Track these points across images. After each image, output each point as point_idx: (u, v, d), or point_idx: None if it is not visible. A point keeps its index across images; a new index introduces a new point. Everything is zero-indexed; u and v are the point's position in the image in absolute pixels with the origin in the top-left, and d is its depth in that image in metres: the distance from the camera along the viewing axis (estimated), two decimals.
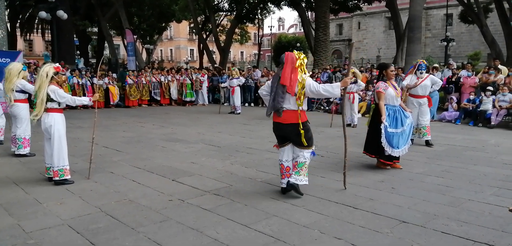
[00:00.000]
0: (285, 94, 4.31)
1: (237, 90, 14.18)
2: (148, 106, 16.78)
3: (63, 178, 5.08)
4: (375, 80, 6.58)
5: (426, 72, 7.81)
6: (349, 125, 10.74)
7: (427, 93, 7.80)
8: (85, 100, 5.80)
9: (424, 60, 8.14)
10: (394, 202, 4.39)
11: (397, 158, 5.84)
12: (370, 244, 3.33)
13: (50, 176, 5.17)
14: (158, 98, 17.23)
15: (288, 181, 4.46)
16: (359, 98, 12.62)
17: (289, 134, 4.44)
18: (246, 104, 17.29)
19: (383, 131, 5.65)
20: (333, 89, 4.33)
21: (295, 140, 4.47)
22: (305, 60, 4.41)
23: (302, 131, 4.32)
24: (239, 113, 13.95)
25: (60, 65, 5.31)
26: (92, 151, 5.52)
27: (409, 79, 7.75)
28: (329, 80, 16.85)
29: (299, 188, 4.45)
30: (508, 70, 12.89)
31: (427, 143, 7.78)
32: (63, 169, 5.09)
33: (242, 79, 15.01)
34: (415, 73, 7.72)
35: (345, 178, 4.85)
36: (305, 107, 4.44)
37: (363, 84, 11.91)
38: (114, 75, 17.62)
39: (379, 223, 3.77)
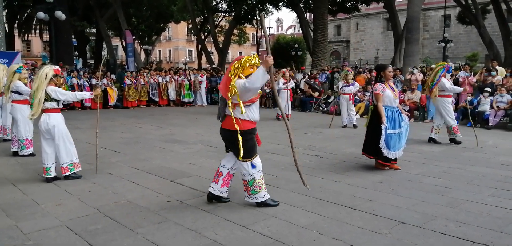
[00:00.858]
0: (225, 100, 4.06)
1: None
2: (146, 107, 16.78)
3: (73, 172, 5.21)
4: (373, 82, 6.60)
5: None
6: (345, 126, 10.77)
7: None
8: (86, 94, 5.87)
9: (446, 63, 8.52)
10: (392, 202, 4.40)
11: (395, 159, 5.85)
12: (369, 245, 3.34)
13: (49, 176, 5.16)
14: (157, 99, 17.25)
15: (246, 199, 4.22)
16: (357, 99, 12.65)
17: (225, 140, 4.21)
18: None
19: (383, 132, 5.65)
20: (260, 74, 3.79)
21: (231, 148, 4.19)
22: (251, 62, 3.99)
23: (241, 144, 3.94)
24: None
25: (59, 67, 5.37)
26: (97, 145, 5.68)
27: (447, 83, 7.96)
28: (328, 82, 16.89)
29: (267, 201, 4.19)
30: (506, 71, 12.94)
31: (455, 141, 8.12)
32: (73, 163, 5.24)
33: None
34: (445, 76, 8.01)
35: (302, 176, 4.32)
36: (254, 116, 4.08)
37: (359, 86, 11.95)
38: (113, 76, 17.59)
39: (378, 224, 3.77)
